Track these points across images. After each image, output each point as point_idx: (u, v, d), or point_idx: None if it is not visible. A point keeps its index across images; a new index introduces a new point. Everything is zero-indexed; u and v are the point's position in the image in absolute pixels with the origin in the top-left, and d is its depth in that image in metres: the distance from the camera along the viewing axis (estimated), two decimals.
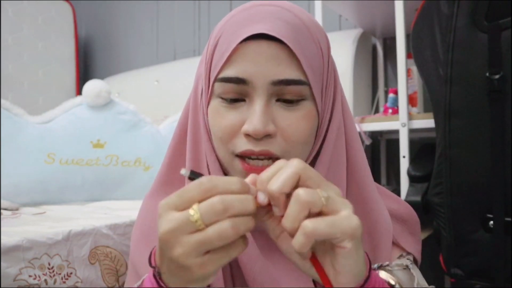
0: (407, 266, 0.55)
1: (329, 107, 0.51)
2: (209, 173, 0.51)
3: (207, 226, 0.34)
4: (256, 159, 0.46)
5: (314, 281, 0.42)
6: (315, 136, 0.50)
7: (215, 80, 0.47)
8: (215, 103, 0.48)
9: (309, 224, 0.34)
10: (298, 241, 0.34)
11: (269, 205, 0.37)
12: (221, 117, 0.47)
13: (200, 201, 0.35)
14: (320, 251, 0.37)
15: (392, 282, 0.47)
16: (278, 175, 0.36)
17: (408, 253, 0.56)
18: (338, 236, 0.34)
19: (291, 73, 0.45)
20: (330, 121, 0.51)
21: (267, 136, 0.45)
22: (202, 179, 0.35)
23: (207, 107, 0.50)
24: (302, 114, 0.47)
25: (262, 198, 0.36)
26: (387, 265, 0.54)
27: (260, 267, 0.49)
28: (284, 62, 0.45)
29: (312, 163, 0.51)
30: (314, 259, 0.37)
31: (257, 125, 0.44)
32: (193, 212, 0.34)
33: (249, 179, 0.38)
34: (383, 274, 0.51)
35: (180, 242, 0.34)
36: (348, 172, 0.53)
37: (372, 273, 0.39)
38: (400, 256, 0.55)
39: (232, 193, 0.35)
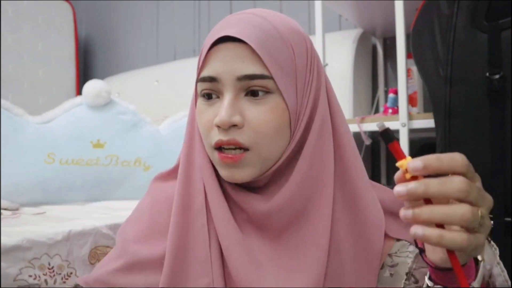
0: (487, 238, 0.54)
1: (309, 103, 0.54)
2: (202, 172, 0.55)
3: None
4: (228, 149, 0.51)
5: None
6: (290, 131, 0.53)
7: (197, 81, 0.54)
8: (199, 102, 0.54)
9: (450, 234, 0.35)
10: (431, 234, 0.36)
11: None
12: (202, 114, 0.53)
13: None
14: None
15: (479, 257, 0.47)
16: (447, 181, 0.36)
17: (410, 244, 0.57)
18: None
19: (255, 69, 0.50)
20: (312, 117, 0.54)
21: (234, 126, 0.50)
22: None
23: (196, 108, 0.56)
24: (269, 107, 0.51)
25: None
26: None
27: (236, 239, 0.51)
28: (248, 59, 0.50)
29: (295, 158, 0.53)
30: (453, 256, 0.38)
31: (223, 117, 0.49)
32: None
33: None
34: None
35: None
36: (338, 170, 0.55)
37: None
38: (403, 245, 0.56)
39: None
